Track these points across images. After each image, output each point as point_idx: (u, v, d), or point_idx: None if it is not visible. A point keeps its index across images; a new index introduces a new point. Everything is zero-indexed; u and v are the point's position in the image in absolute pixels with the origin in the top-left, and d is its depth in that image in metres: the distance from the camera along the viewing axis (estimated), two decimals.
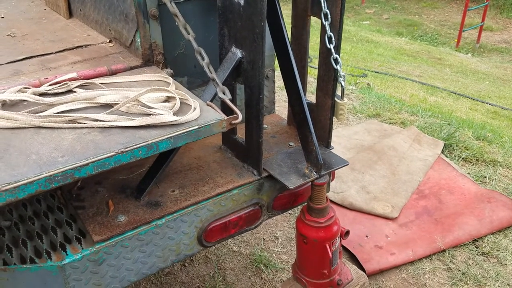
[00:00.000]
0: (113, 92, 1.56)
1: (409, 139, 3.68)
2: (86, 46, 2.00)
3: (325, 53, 1.85)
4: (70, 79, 1.62)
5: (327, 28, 1.77)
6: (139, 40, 1.81)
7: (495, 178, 3.33)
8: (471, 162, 3.56)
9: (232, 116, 1.53)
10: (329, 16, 1.75)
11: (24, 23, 2.35)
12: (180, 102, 1.54)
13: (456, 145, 3.70)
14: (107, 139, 1.38)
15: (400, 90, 6.15)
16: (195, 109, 1.50)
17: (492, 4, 13.67)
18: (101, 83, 1.65)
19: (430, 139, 3.73)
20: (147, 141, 1.37)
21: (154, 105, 1.51)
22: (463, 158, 3.59)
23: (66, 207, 1.70)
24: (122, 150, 1.34)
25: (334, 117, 1.93)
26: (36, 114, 1.44)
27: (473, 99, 6.95)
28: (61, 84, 1.60)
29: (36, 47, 1.99)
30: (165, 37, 1.84)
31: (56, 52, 1.93)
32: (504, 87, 8.53)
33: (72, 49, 1.97)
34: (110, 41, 2.04)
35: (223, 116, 1.51)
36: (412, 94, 6.09)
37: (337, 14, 1.75)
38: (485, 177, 3.35)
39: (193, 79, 2.01)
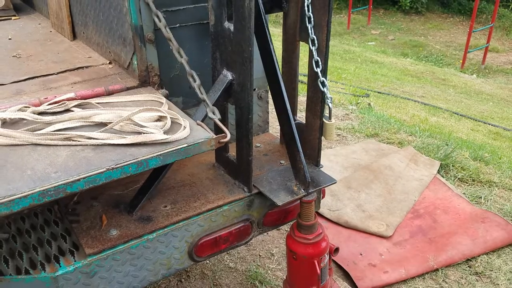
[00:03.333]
0: (108, 112, 1.65)
1: (405, 159, 3.73)
2: (87, 67, 2.10)
3: (313, 76, 1.92)
4: (68, 99, 1.71)
5: (314, 53, 1.85)
6: (136, 63, 1.90)
7: (491, 199, 3.35)
8: (467, 183, 3.59)
9: (220, 135, 1.61)
10: (315, 41, 1.84)
11: (30, 45, 2.46)
12: (172, 122, 1.62)
13: (453, 165, 3.73)
14: (99, 156, 1.45)
15: (401, 111, 6.20)
16: (185, 128, 1.58)
17: (498, 26, 13.79)
18: (98, 103, 1.74)
19: (427, 159, 3.78)
20: (137, 158, 1.45)
21: (146, 124, 1.59)
22: (459, 178, 3.62)
23: (62, 221, 1.77)
24: (112, 166, 1.41)
25: (322, 136, 2.00)
26: (34, 132, 1.52)
27: (475, 120, 6.98)
28: (59, 103, 1.69)
29: (39, 67, 2.10)
30: (161, 60, 1.93)
31: (58, 73, 2.03)
32: (507, 108, 8.55)
33: (73, 70, 2.07)
34: (110, 63, 2.13)
35: (211, 135, 1.58)
36: (414, 115, 6.14)
37: (323, 40, 1.83)
38: (481, 197, 3.38)
39: (188, 99, 2.10)
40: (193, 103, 2.12)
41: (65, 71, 2.06)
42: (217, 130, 1.69)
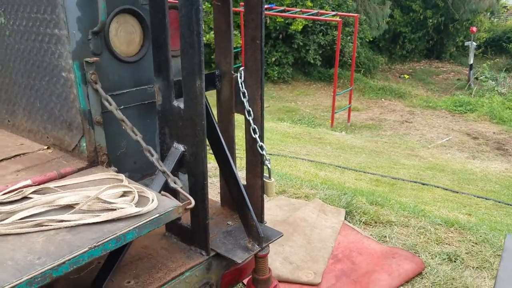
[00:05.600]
0: (72, 193, 1.67)
1: (315, 210, 4.10)
2: (24, 154, 2.06)
3: (251, 142, 2.17)
4: (25, 186, 1.69)
5: (251, 122, 2.11)
6: (84, 145, 1.95)
7: (394, 236, 3.83)
8: (370, 225, 4.06)
9: (186, 202, 1.74)
10: (251, 112, 2.10)
11: None
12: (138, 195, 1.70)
13: (356, 211, 4.20)
14: (77, 237, 1.48)
15: (294, 168, 6.74)
16: (153, 200, 1.67)
17: (355, 88, 15.78)
18: (56, 187, 1.74)
19: (333, 208, 4.19)
20: (115, 234, 1.50)
21: (114, 200, 1.65)
22: (363, 222, 4.07)
23: None
24: (94, 245, 1.45)
25: (264, 195, 2.22)
26: (0, 223, 1.49)
27: (356, 171, 7.83)
28: (16, 192, 1.66)
29: None
30: (108, 140, 2.01)
31: None
32: (378, 158, 9.75)
33: (10, 158, 2.02)
34: (48, 148, 2.13)
35: (178, 203, 1.70)
36: (305, 171, 6.71)
37: (258, 110, 2.11)
38: (385, 236, 3.84)
39: (134, 174, 2.17)
40: (138, 177, 2.20)
41: (2, 160, 2.00)
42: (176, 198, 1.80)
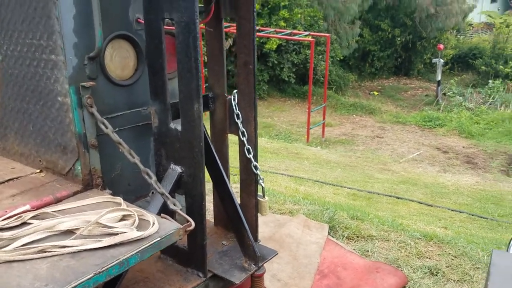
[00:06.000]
0: (71, 218, 1.67)
1: (300, 225, 4.15)
2: (17, 178, 2.05)
3: (245, 162, 2.21)
4: (24, 212, 1.68)
5: (245, 142, 2.16)
6: (79, 168, 1.95)
7: (375, 251, 3.92)
8: (353, 239, 4.14)
9: (186, 224, 1.76)
10: (245, 133, 2.15)
11: None
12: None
13: (338, 226, 4.27)
14: (81, 262, 1.48)
15: (275, 184, 6.80)
16: (153, 223, 1.69)
17: (327, 105, 16.08)
18: (53, 212, 1.74)
19: (317, 224, 4.26)
20: (118, 259, 1.51)
21: (114, 224, 1.66)
22: (346, 236, 4.15)
23: None
24: (99, 270, 1.45)
25: (258, 213, 2.26)
26: (3, 249, 1.47)
27: (334, 185, 7.96)
28: (15, 217, 1.65)
29: None
30: (103, 162, 2.02)
31: None
32: (353, 172, 9.92)
33: (4, 182, 2.00)
34: (40, 171, 2.12)
35: (179, 225, 1.72)
36: (286, 186, 6.78)
37: (252, 131, 2.16)
38: (367, 250, 3.92)
39: (128, 196, 2.17)
40: (132, 199, 2.20)
41: None
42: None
